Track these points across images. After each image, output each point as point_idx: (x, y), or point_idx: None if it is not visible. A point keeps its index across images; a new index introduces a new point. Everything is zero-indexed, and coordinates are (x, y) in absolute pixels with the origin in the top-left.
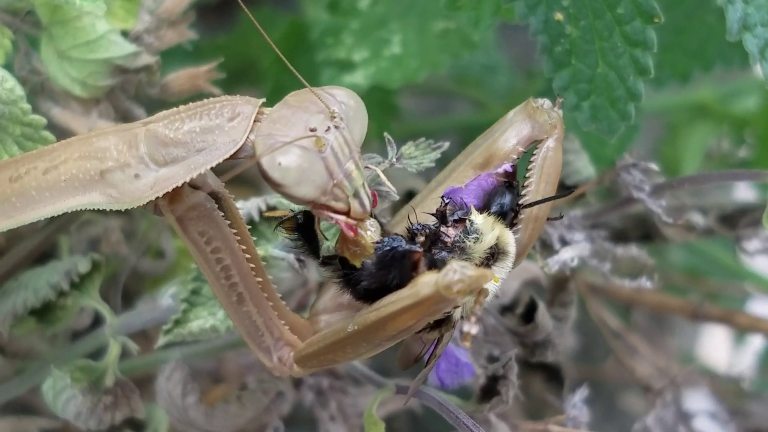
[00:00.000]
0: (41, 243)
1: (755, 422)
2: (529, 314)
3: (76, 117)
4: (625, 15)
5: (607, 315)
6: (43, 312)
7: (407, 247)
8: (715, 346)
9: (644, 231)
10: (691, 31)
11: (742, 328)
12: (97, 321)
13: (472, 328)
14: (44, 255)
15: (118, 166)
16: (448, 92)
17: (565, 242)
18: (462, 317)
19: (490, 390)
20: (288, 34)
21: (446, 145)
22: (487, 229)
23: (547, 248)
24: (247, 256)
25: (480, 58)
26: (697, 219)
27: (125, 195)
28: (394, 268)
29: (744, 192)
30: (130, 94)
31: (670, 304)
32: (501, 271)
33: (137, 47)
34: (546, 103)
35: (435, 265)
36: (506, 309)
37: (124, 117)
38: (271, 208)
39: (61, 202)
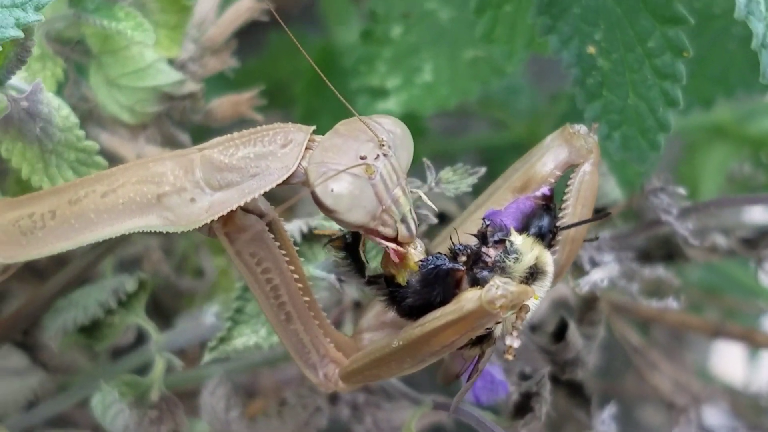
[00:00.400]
0: (92, 263)
1: None
2: (560, 333)
3: (123, 142)
4: (655, 49)
5: (630, 332)
6: (92, 329)
7: (451, 265)
8: (729, 360)
9: (667, 251)
10: (714, 58)
11: (762, 345)
12: (140, 338)
13: (514, 342)
14: (88, 274)
15: (174, 191)
16: (468, 112)
17: (595, 263)
18: (502, 334)
19: (523, 406)
20: (318, 60)
21: (483, 170)
22: (527, 249)
23: (577, 269)
24: (296, 276)
25: (503, 81)
26: (720, 241)
27: (181, 218)
28: (438, 286)
29: (760, 213)
30: (176, 121)
31: (691, 323)
32: (540, 290)
33: (183, 75)
34: (582, 128)
35: (477, 282)
36: (536, 328)
37: (170, 142)
38: (312, 230)
39: (119, 225)
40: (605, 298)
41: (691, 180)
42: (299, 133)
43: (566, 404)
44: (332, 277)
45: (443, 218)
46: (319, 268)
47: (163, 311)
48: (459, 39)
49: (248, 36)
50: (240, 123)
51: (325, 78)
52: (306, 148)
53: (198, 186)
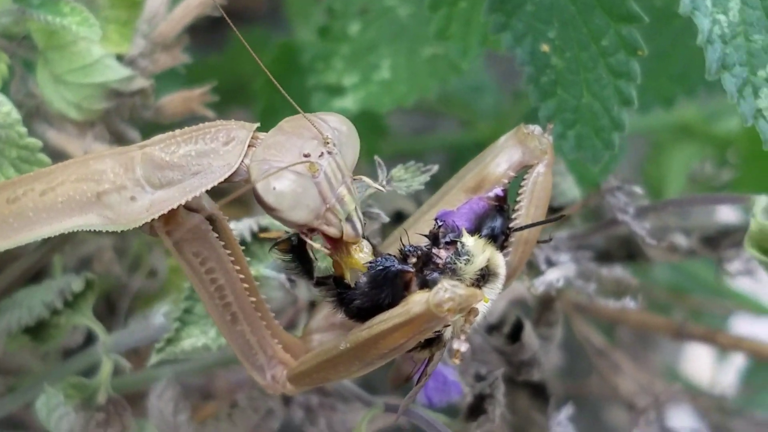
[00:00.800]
0: (36, 262)
1: None
2: (516, 333)
3: (71, 140)
4: (609, 47)
5: (591, 332)
6: (37, 330)
7: (399, 266)
8: (698, 362)
9: (628, 251)
10: (675, 56)
11: (725, 346)
12: (90, 339)
13: (461, 346)
14: (38, 274)
15: (114, 189)
16: (436, 111)
17: (551, 263)
18: (452, 336)
19: (476, 408)
20: (279, 57)
21: (435, 168)
22: (478, 251)
23: (533, 269)
24: (241, 276)
25: (467, 80)
26: (680, 240)
27: (121, 217)
28: (387, 288)
29: (727, 213)
30: (125, 117)
31: (653, 323)
32: (491, 292)
33: (132, 71)
34: (536, 129)
35: (427, 285)
36: (493, 328)
37: (119, 139)
38: (263, 229)
39: (57, 223)
40: (566, 298)
41: (657, 180)
42: (242, 130)
43: (524, 406)
44: (282, 277)
45: (400, 217)
46: (270, 267)
47: (117, 312)
48: (418, 36)
49: (211, 33)
50: (192, 120)
51: (271, 75)
52: (249, 146)
53: (138, 184)
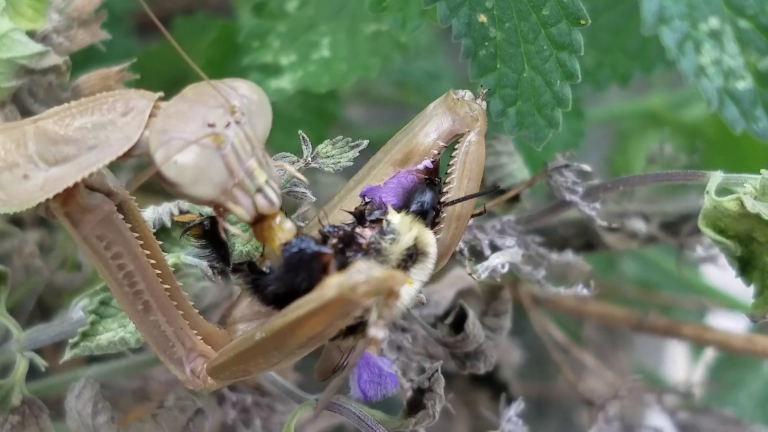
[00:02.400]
0: None
1: None
2: (459, 324)
3: None
4: (550, 17)
5: (552, 328)
6: None
7: (315, 248)
8: (678, 364)
9: (586, 239)
10: (631, 31)
11: (689, 339)
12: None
13: (379, 332)
14: None
15: (5, 167)
16: (399, 102)
17: (495, 248)
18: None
19: (416, 403)
20: (219, 39)
21: (365, 143)
22: (405, 229)
23: (477, 254)
24: (153, 261)
25: (424, 65)
26: (639, 225)
27: (13, 197)
28: (302, 271)
29: (696, 201)
30: (39, 97)
31: (614, 315)
32: (420, 272)
33: (44, 47)
34: (467, 94)
35: (346, 267)
36: (440, 319)
37: None
38: (184, 213)
39: None
40: (526, 291)
41: (624, 169)
42: (141, 99)
43: (488, 407)
44: (204, 264)
45: None
46: (191, 254)
47: (46, 309)
48: (359, 13)
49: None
50: None
51: (190, 60)
52: (150, 116)
53: (31, 161)
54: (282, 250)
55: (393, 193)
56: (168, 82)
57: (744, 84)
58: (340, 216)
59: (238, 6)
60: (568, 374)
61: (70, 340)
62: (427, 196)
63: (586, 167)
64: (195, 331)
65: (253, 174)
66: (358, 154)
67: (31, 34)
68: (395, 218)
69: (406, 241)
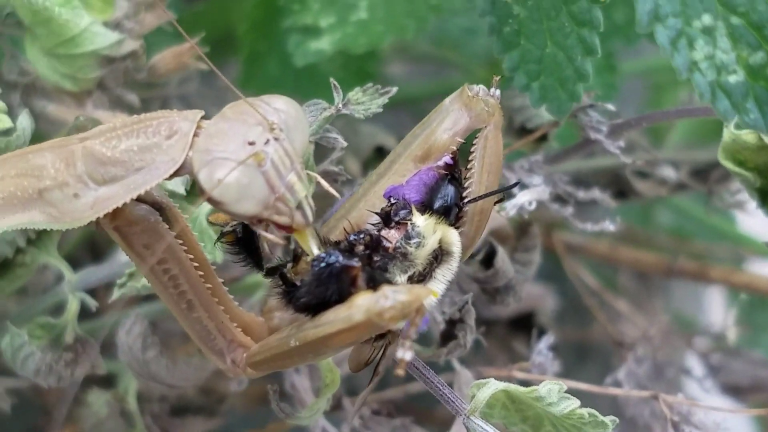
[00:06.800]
0: None
1: (734, 378)
2: (489, 260)
3: (71, 111)
4: None
5: (585, 274)
6: (3, 269)
7: (344, 262)
8: (717, 314)
9: (618, 188)
10: (617, 4)
11: (716, 281)
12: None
13: (405, 354)
14: None
15: (56, 185)
16: (438, 58)
17: (524, 186)
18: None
19: (449, 335)
20: (261, 2)
21: (394, 90)
22: (429, 232)
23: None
24: (195, 264)
25: (461, 22)
26: (669, 173)
27: (65, 215)
28: (332, 285)
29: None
30: (120, 82)
31: (645, 261)
32: (447, 272)
33: (120, 34)
34: (481, 90)
35: (374, 279)
36: (473, 256)
37: (118, 104)
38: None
39: (1, 221)
40: (560, 238)
41: (658, 123)
42: (185, 122)
43: (506, 336)
44: None
45: (381, 152)
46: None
47: (99, 253)
48: None
49: None
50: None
51: (228, 81)
52: (194, 136)
53: (81, 180)
54: (312, 265)
55: (416, 191)
56: (214, 43)
57: (736, 78)
58: (364, 214)
59: None
60: (602, 319)
61: (118, 281)
62: (450, 193)
63: (611, 107)
64: (234, 324)
65: (294, 188)
66: (387, 100)
67: (104, 24)
68: (420, 221)
69: (431, 244)
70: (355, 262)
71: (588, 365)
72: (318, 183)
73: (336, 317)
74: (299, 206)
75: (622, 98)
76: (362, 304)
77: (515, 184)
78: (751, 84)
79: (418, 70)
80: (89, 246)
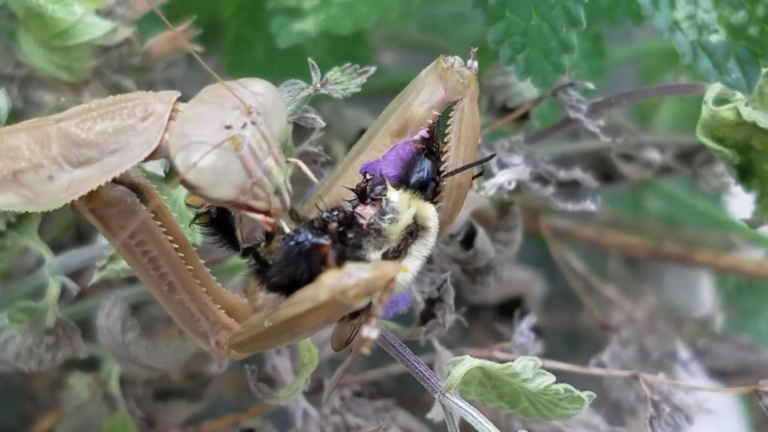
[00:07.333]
0: None
1: (721, 362)
2: (469, 240)
3: (70, 100)
4: None
5: (573, 258)
6: None
7: (313, 240)
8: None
9: (603, 171)
10: None
11: (702, 265)
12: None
13: (371, 333)
14: None
15: (30, 167)
16: (428, 46)
17: (503, 165)
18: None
19: (428, 314)
20: None
21: (373, 69)
22: (403, 207)
23: (486, 172)
24: (176, 245)
25: (450, 8)
26: (654, 156)
27: (40, 197)
28: (302, 264)
29: None
30: (116, 69)
31: (632, 245)
32: (423, 248)
33: (113, 23)
34: (457, 61)
35: (345, 256)
36: (453, 237)
37: (116, 91)
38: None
39: None
40: (547, 223)
41: (648, 107)
42: (160, 103)
43: (494, 321)
44: None
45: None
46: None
47: (83, 237)
48: None
49: None
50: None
51: (206, 65)
52: (169, 119)
53: (56, 162)
54: (281, 244)
55: (392, 166)
56: (201, 27)
57: (717, 37)
58: (342, 191)
59: None
60: (590, 304)
61: (98, 263)
62: (427, 167)
63: (590, 85)
64: (218, 305)
65: (271, 173)
66: (366, 80)
67: (96, 12)
68: (394, 196)
69: (405, 219)
70: (325, 240)
71: (578, 352)
72: (297, 166)
73: (304, 297)
74: (277, 191)
75: (615, 86)
76: (327, 283)
77: (492, 156)
78: (733, 43)
79: (409, 58)
80: (75, 229)
